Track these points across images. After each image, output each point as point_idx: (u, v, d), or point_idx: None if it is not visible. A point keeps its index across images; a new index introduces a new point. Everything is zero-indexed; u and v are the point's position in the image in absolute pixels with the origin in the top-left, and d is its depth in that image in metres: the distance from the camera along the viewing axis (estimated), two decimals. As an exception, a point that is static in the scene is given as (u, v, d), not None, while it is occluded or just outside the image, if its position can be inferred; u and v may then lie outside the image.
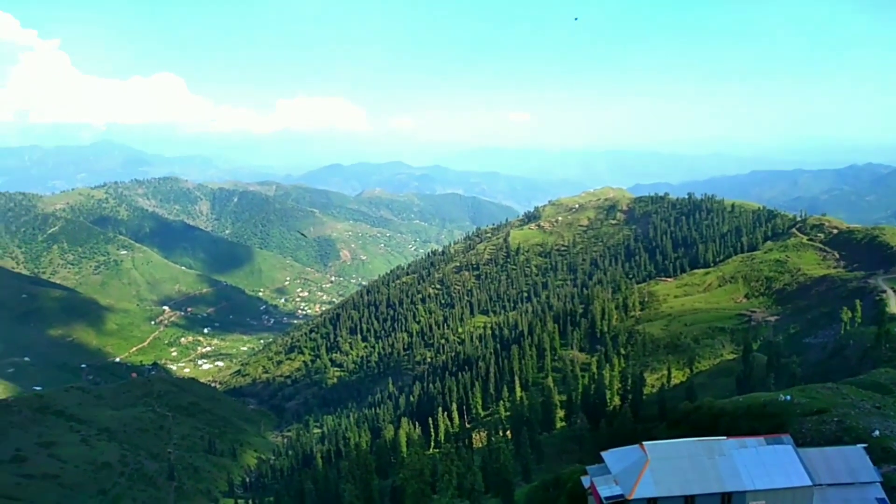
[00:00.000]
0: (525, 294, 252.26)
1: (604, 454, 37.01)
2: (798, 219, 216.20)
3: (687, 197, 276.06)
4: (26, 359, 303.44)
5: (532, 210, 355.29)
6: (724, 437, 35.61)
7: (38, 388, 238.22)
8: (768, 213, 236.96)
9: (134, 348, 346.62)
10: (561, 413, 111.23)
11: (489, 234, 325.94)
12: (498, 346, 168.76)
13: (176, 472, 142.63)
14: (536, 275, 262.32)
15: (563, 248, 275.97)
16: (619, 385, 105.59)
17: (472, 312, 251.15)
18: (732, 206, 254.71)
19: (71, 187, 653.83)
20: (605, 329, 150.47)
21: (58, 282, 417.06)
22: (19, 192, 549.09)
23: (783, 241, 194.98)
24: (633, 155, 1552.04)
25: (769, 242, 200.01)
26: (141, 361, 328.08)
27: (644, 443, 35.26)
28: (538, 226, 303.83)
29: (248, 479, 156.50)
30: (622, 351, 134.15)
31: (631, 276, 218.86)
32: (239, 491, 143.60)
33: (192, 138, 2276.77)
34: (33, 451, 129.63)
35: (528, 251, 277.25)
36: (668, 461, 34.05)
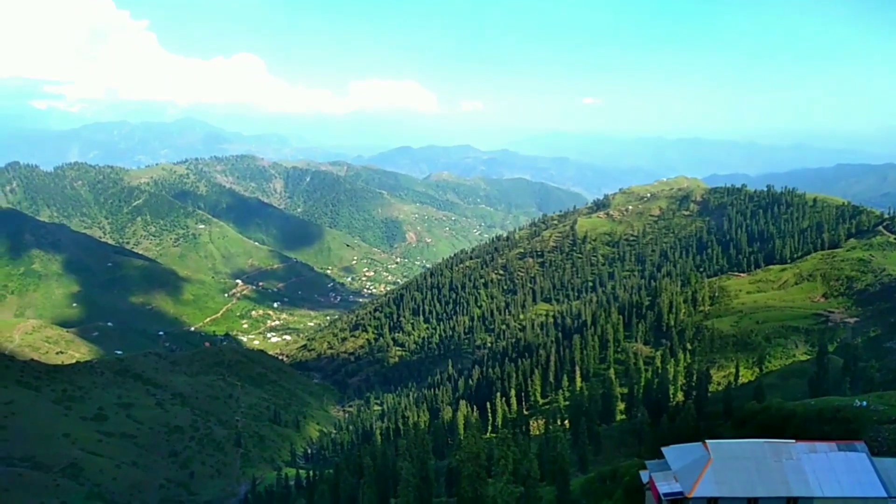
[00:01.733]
0: (590, 283, 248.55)
1: (664, 450, 36.25)
2: (886, 216, 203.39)
3: (765, 189, 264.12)
4: (109, 324, 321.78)
5: (601, 198, 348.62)
6: (793, 441, 34.19)
7: (119, 352, 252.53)
8: (853, 209, 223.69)
9: (208, 318, 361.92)
10: (621, 406, 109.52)
11: (556, 221, 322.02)
12: (560, 334, 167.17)
13: (242, 439, 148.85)
14: (603, 264, 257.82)
15: (631, 238, 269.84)
16: (684, 381, 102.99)
17: (534, 300, 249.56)
18: (814, 200, 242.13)
19: (155, 162, 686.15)
20: (672, 323, 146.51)
21: (140, 252, 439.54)
22: (108, 166, 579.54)
23: (868, 239, 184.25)
24: (710, 144, 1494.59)
25: (852, 240, 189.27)
26: (214, 331, 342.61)
27: (707, 441, 34.31)
28: (607, 214, 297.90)
29: (309, 451, 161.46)
30: (688, 346, 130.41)
31: (702, 269, 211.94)
32: (301, 461, 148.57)
33: (268, 118, 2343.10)
34: (113, 411, 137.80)
35: (595, 240, 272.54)
36: (731, 461, 32.99)
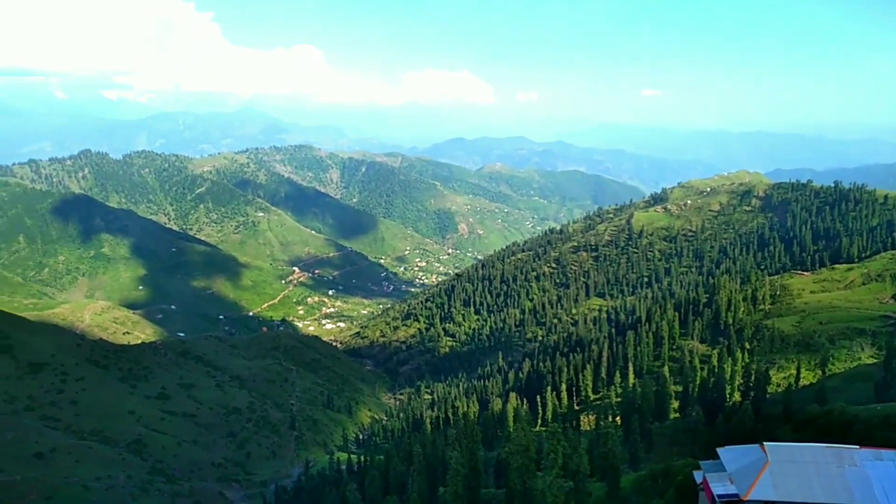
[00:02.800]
0: (645, 279, 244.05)
1: (720, 450, 35.66)
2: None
3: (833, 185, 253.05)
4: (173, 307, 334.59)
5: (659, 191, 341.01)
6: (857, 447, 33.10)
7: (181, 334, 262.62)
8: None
9: (266, 304, 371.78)
10: (675, 404, 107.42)
11: (611, 215, 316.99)
12: (613, 330, 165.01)
13: (297, 422, 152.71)
14: (659, 260, 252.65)
15: (689, 234, 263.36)
16: (741, 380, 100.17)
17: (587, 294, 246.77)
18: (885, 197, 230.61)
19: (217, 151, 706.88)
20: (730, 321, 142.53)
21: (202, 238, 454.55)
22: (173, 154, 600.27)
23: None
24: (774, 138, 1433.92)
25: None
26: (271, 317, 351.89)
27: (765, 443, 33.57)
28: (664, 208, 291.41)
29: (360, 436, 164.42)
30: (747, 345, 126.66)
31: (763, 267, 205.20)
32: (352, 446, 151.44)
33: (326, 108, 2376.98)
34: (175, 391, 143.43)
35: (651, 234, 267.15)
36: (790, 465, 32.20)
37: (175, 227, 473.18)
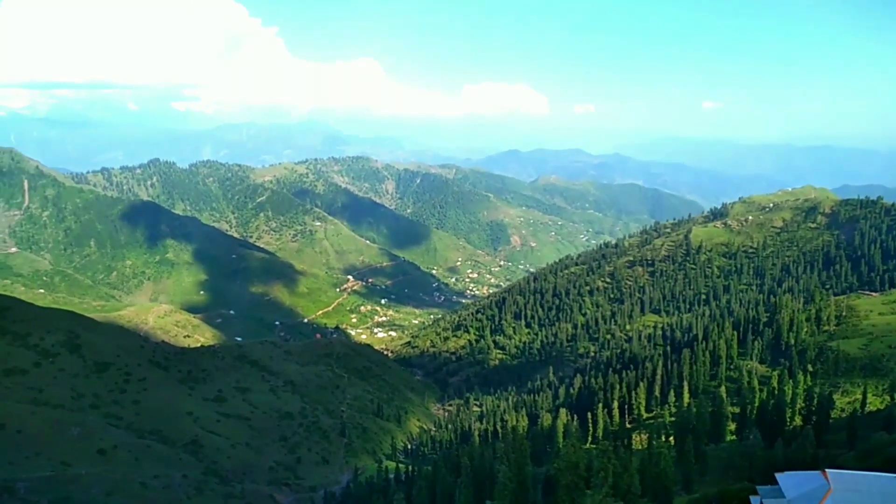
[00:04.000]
0: (703, 296, 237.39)
1: (778, 476, 34.43)
2: None
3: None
4: (231, 311, 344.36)
5: (719, 206, 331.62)
6: (927, 479, 31.39)
7: (238, 339, 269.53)
8: None
9: (320, 311, 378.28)
10: (732, 426, 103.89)
11: (668, 230, 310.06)
12: (668, 348, 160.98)
13: (347, 429, 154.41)
14: (718, 276, 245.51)
15: (750, 250, 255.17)
16: (803, 404, 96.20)
17: (642, 310, 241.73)
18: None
19: (278, 162, 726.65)
20: (792, 342, 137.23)
21: (261, 246, 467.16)
22: (236, 164, 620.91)
23: None
24: (843, 152, 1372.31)
25: None
26: (325, 324, 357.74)
27: (828, 470, 32.21)
28: (724, 224, 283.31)
29: (409, 446, 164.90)
30: (809, 367, 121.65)
31: (828, 286, 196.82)
32: (400, 455, 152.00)
33: (383, 120, 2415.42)
34: (231, 394, 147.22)
35: (710, 250, 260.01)
36: (854, 494, 30.76)
37: (236, 235, 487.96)
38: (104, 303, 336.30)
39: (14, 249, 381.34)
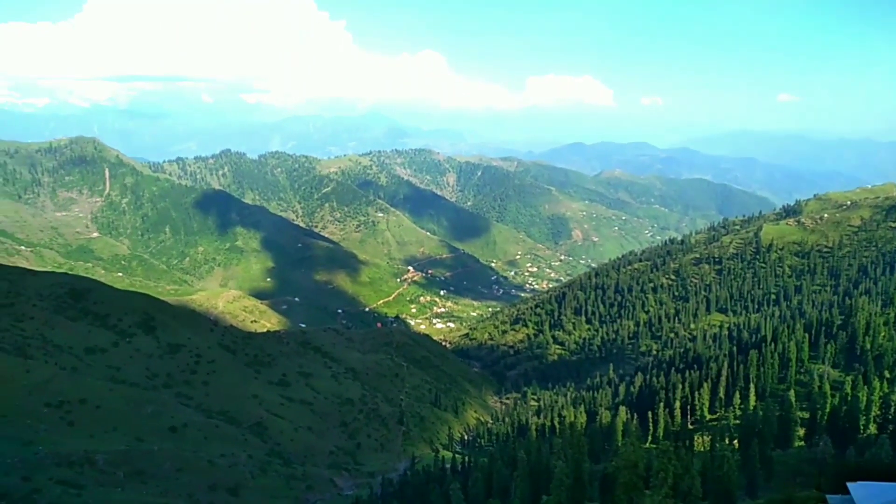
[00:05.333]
0: (773, 296, 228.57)
1: (851, 486, 33.19)
2: None
3: None
4: (296, 299, 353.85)
5: (792, 203, 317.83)
6: None
7: (302, 325, 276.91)
8: None
9: (381, 301, 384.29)
10: (800, 431, 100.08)
11: (737, 227, 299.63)
12: (734, 348, 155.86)
13: (405, 417, 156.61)
14: (789, 276, 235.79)
15: (825, 250, 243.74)
16: (878, 411, 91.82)
17: (707, 309, 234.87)
18: None
19: (343, 153, 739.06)
20: (868, 346, 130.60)
21: (326, 235, 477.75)
22: (303, 155, 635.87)
23: None
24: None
25: None
26: (385, 313, 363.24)
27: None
28: (797, 221, 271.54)
29: (465, 437, 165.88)
30: (886, 374, 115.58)
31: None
32: (457, 446, 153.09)
33: (446, 113, 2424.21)
34: (295, 379, 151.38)
35: (782, 249, 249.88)
36: (930, 509, 29.46)
37: (302, 224, 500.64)
38: (177, 287, 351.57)
39: (95, 234, 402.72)
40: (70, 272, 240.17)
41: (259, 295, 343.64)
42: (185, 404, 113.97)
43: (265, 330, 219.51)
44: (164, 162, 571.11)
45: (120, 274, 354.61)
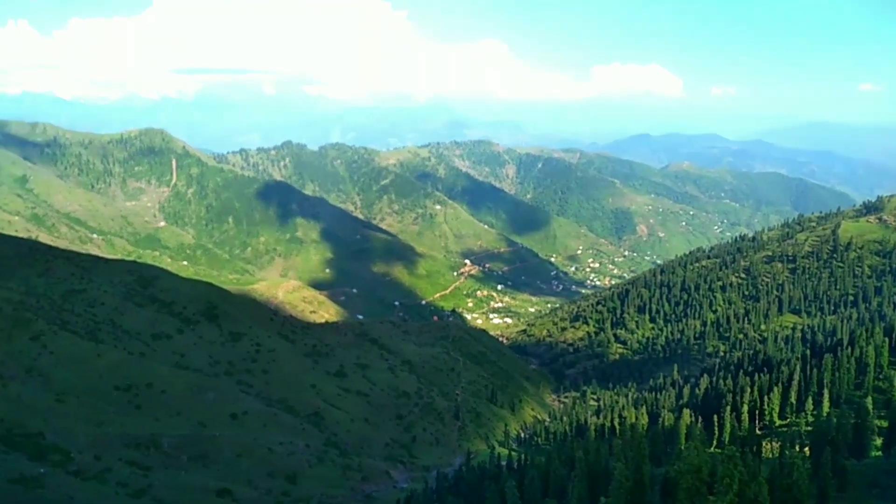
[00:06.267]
0: (850, 297, 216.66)
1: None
2: None
3: None
4: (354, 290, 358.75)
5: (873, 199, 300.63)
6: None
7: (360, 316, 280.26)
8: None
9: (438, 294, 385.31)
10: (878, 441, 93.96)
11: (813, 223, 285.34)
12: (808, 351, 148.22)
13: (461, 412, 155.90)
14: (868, 277, 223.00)
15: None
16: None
17: (779, 310, 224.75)
18: None
19: (402, 145, 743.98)
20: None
21: (384, 227, 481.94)
22: (362, 147, 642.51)
23: None
24: None
25: None
26: (442, 306, 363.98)
27: None
28: (879, 219, 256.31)
29: (522, 435, 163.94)
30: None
31: None
32: (513, 443, 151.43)
33: (506, 103, 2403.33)
34: (352, 370, 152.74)
35: (861, 248, 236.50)
36: None
37: (360, 216, 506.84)
38: (239, 276, 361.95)
39: (162, 224, 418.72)
40: (138, 260, 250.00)
41: (318, 285, 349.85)
42: (245, 392, 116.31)
43: (323, 320, 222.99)
44: (228, 153, 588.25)
45: (185, 262, 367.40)
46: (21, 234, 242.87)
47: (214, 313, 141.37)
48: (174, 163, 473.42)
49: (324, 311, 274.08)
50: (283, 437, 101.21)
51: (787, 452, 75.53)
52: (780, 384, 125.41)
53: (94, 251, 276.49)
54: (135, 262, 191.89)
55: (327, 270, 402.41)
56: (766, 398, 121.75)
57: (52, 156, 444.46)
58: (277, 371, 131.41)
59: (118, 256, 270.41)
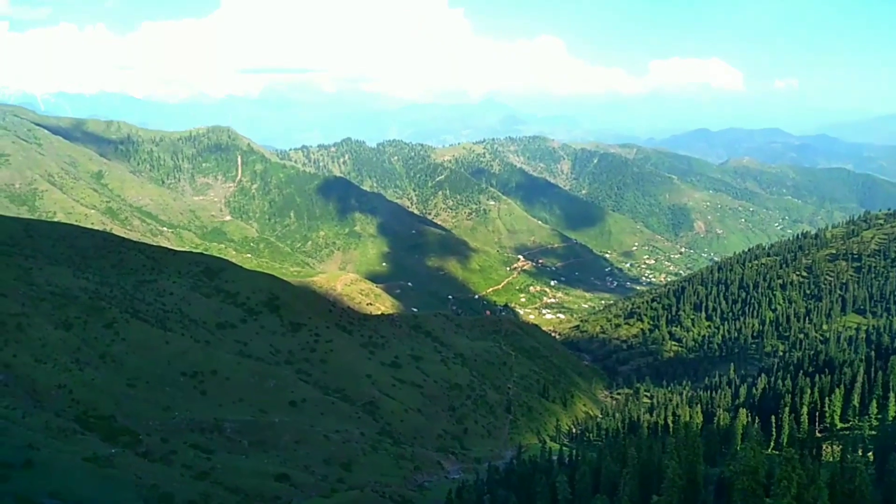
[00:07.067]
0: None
1: None
2: None
3: None
4: (409, 283, 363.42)
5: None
6: None
7: (414, 309, 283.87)
8: None
9: (490, 289, 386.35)
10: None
11: (881, 220, 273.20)
12: (872, 353, 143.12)
13: (512, 406, 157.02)
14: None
15: None
16: None
17: (843, 309, 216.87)
18: None
19: (457, 142, 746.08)
20: None
21: (438, 223, 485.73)
22: (418, 144, 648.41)
23: None
24: None
25: None
26: (494, 301, 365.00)
27: None
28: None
29: (573, 430, 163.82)
30: None
31: None
32: (565, 439, 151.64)
33: (562, 99, 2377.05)
34: (406, 361, 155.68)
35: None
36: None
37: (416, 211, 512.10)
38: (300, 269, 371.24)
39: (228, 217, 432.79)
40: (205, 252, 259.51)
41: (374, 278, 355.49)
42: (304, 380, 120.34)
43: (379, 312, 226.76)
44: (290, 150, 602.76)
45: (249, 255, 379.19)
46: (97, 227, 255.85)
47: (276, 304, 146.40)
48: (239, 159, 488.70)
49: (380, 303, 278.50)
50: (339, 425, 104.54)
51: (848, 456, 74.00)
52: (842, 386, 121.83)
53: (164, 244, 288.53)
54: (202, 254, 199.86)
55: (383, 264, 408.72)
56: (826, 400, 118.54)
57: (125, 152, 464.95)
58: (335, 361, 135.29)
59: (186, 249, 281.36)
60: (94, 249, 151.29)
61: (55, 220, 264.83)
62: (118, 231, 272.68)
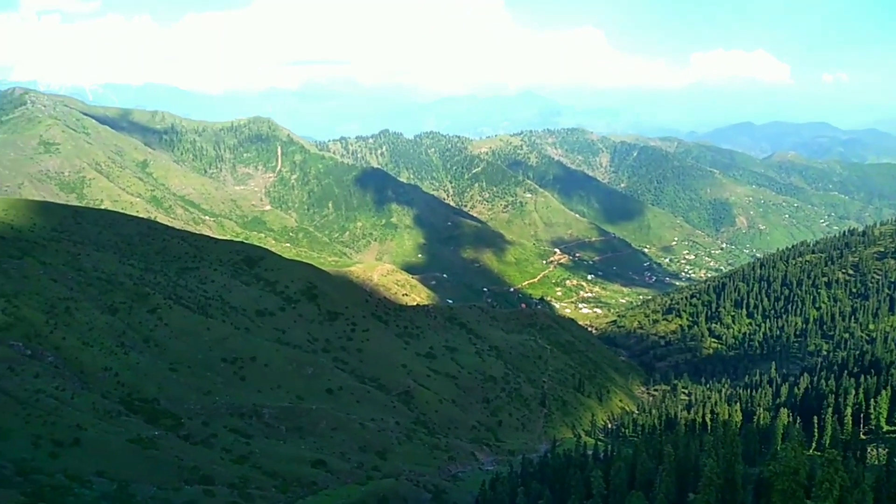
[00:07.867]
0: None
1: None
2: None
3: None
4: (444, 275, 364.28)
5: None
6: None
7: (449, 301, 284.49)
8: None
9: (526, 282, 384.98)
10: None
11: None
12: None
13: (547, 400, 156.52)
14: None
15: None
16: None
17: (891, 309, 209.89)
18: None
19: (494, 133, 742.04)
20: None
21: (474, 215, 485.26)
22: (455, 136, 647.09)
23: None
24: None
25: None
26: (530, 294, 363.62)
27: None
28: None
29: (609, 425, 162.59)
30: None
31: None
32: (600, 434, 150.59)
33: (602, 91, 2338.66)
34: (441, 352, 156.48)
35: None
36: None
37: (452, 203, 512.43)
38: (337, 259, 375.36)
39: (268, 207, 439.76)
40: (245, 241, 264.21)
41: (410, 269, 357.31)
42: (340, 369, 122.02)
43: (415, 303, 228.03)
44: (328, 141, 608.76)
45: (288, 244, 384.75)
46: (141, 215, 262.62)
47: (314, 293, 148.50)
48: (279, 150, 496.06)
49: (415, 294, 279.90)
50: (374, 414, 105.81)
51: (895, 459, 71.83)
52: (888, 387, 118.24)
53: (206, 232, 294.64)
54: (242, 242, 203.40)
55: (419, 255, 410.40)
56: (872, 401, 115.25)
57: (169, 142, 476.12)
58: (371, 350, 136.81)
59: (227, 237, 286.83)
60: (139, 237, 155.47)
61: (102, 207, 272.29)
62: (162, 219, 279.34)
